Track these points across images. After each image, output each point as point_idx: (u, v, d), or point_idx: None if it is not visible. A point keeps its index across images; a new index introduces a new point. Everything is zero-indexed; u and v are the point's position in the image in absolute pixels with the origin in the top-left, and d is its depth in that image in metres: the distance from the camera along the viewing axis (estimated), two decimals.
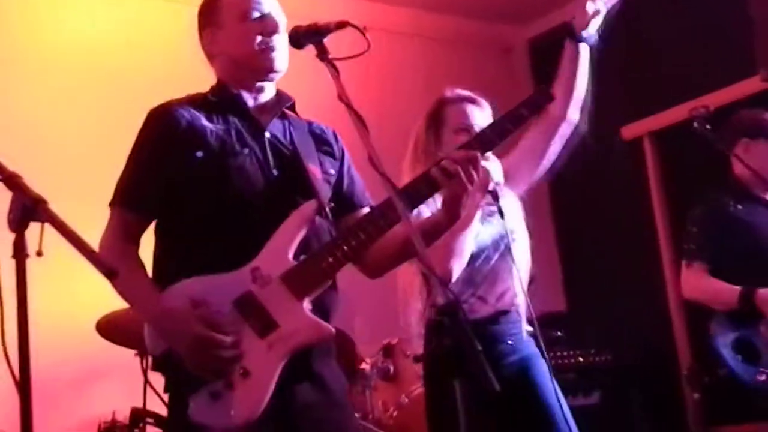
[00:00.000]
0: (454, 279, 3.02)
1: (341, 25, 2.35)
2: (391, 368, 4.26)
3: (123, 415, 4.21)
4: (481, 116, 3.29)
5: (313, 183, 2.51)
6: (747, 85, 5.36)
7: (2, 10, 5.02)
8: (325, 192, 2.56)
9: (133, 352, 4.26)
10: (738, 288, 3.88)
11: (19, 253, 1.79)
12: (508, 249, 3.16)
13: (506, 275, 3.21)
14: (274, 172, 2.49)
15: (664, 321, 6.05)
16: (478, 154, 2.38)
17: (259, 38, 2.54)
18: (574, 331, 5.65)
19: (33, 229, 1.86)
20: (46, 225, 1.83)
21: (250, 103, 2.60)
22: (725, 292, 3.91)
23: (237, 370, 2.28)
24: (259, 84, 2.60)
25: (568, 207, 6.90)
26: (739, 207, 4.01)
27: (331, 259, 2.36)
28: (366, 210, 2.66)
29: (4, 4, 5.02)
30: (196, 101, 2.57)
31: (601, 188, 6.49)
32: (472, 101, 3.34)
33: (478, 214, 3.04)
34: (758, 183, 4.05)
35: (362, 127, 2.22)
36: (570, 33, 3.19)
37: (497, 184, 3.00)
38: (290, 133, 2.61)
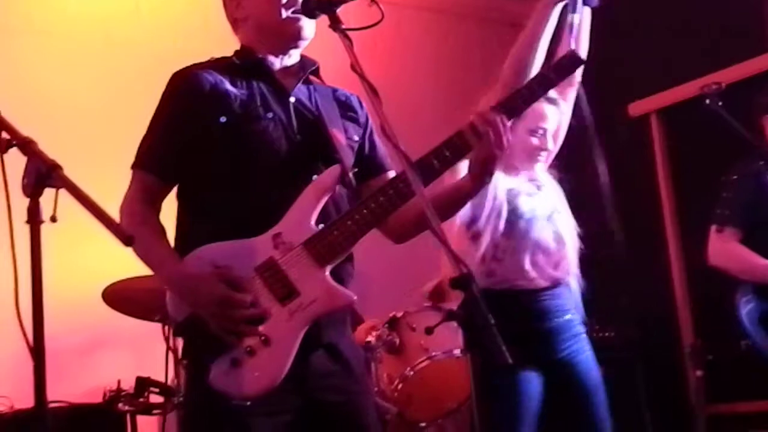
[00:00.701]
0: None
1: None
2: (397, 341, 4.24)
3: (128, 384, 4.22)
4: (554, 114, 3.34)
5: (337, 148, 2.50)
6: (757, 63, 5.34)
7: None
8: (349, 158, 2.55)
9: (138, 321, 4.27)
10: None
11: (34, 218, 1.78)
12: (556, 218, 3.25)
13: (558, 245, 3.25)
14: (298, 136, 2.48)
15: (668, 298, 6.05)
16: (505, 120, 2.35)
17: (285, 1, 2.51)
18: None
19: (46, 195, 1.85)
20: (61, 191, 1.82)
21: (276, 67, 2.58)
22: (761, 266, 3.87)
23: (258, 337, 2.27)
24: (286, 49, 2.58)
25: (572, 183, 6.88)
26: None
27: (352, 225, 2.35)
28: (389, 175, 2.65)
29: None
30: (221, 65, 2.55)
31: (606, 165, 6.46)
32: (551, 101, 3.37)
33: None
34: None
35: (375, 97, 2.20)
36: None
37: None
38: (315, 99, 2.59)
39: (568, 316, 3.24)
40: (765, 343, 3.82)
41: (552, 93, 3.13)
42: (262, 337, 2.27)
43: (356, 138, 2.64)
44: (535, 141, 3.33)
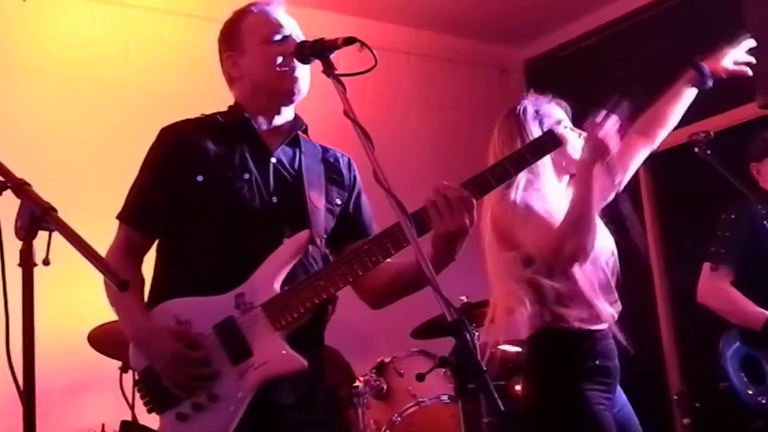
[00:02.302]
0: (588, 255, 2.94)
1: (349, 41, 2.33)
2: (384, 387, 4.23)
3: (112, 428, 4.18)
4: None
5: (310, 212, 2.50)
6: (743, 111, 5.38)
7: (2, 19, 5.02)
8: (323, 222, 2.54)
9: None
10: (765, 312, 3.86)
11: (27, 261, 1.77)
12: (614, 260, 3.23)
13: (614, 283, 3.23)
14: (274, 198, 2.49)
15: (655, 345, 6.04)
16: (473, 201, 2.29)
17: (280, 59, 2.53)
18: None
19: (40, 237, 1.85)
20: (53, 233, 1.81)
21: (264, 127, 2.59)
22: (751, 312, 3.87)
23: (205, 394, 2.29)
24: (277, 107, 2.60)
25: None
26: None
27: (310, 291, 2.34)
28: None
29: (3, 13, 5.02)
30: (206, 123, 2.58)
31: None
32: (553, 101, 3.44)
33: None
34: None
35: (368, 142, 2.20)
36: (700, 71, 3.37)
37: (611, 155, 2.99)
38: (300, 160, 2.59)
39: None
40: (743, 387, 3.83)
41: None
42: (210, 395, 2.30)
43: (338, 202, 2.63)
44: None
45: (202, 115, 2.63)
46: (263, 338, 2.33)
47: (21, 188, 1.83)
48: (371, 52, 2.29)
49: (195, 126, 2.56)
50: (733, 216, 4.02)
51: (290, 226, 2.45)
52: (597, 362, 3.05)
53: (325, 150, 2.70)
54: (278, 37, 2.56)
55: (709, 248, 4.06)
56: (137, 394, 2.52)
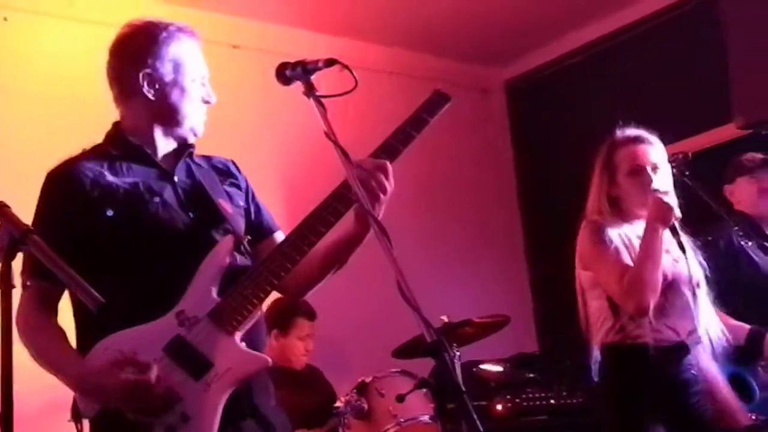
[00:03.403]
0: (650, 310, 3.25)
1: (330, 62, 2.33)
2: (365, 406, 4.22)
3: None
4: (653, 152, 3.50)
5: (227, 218, 2.49)
6: (721, 132, 5.42)
7: None
8: (240, 225, 2.55)
9: None
10: (746, 326, 3.88)
11: (5, 283, 1.77)
12: (697, 288, 3.40)
13: (695, 314, 3.37)
14: (189, 214, 2.46)
15: None
16: (388, 163, 2.39)
17: (203, 101, 2.55)
18: (547, 373, 5.64)
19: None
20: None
21: (156, 151, 2.54)
22: (734, 327, 3.89)
23: (177, 415, 2.24)
24: (176, 138, 2.56)
25: (543, 248, 6.93)
26: (749, 243, 4.04)
27: (254, 288, 2.33)
28: (279, 234, 2.67)
29: None
30: (97, 155, 2.51)
31: (576, 231, 6.51)
32: (641, 141, 3.51)
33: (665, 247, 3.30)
34: (760, 217, 4.15)
35: (349, 163, 2.22)
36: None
37: (677, 218, 3.27)
38: (195, 173, 2.57)
39: (694, 372, 3.45)
40: None
41: None
42: (181, 414, 2.24)
43: (241, 203, 2.63)
44: (639, 179, 3.43)
45: (84, 150, 2.56)
46: (219, 346, 2.29)
47: (0, 210, 1.82)
48: (352, 74, 2.29)
49: (86, 162, 2.48)
50: (710, 238, 4.05)
51: (213, 235, 2.44)
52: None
53: (208, 158, 2.69)
54: (200, 80, 2.56)
55: None
56: None
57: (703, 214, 4.16)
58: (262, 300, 2.36)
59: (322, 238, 2.38)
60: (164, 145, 2.55)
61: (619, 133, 3.56)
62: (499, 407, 4.83)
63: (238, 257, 2.47)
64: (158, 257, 2.37)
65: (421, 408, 4.18)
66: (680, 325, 3.35)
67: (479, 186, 6.93)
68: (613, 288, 3.33)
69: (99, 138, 4.96)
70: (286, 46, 5.40)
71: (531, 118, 7.09)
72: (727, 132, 5.25)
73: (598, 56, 6.63)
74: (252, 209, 2.67)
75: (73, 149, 4.94)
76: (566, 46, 6.80)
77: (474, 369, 5.15)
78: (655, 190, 3.32)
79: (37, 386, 4.29)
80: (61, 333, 2.41)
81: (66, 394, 4.37)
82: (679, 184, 3.60)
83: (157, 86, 2.50)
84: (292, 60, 2.43)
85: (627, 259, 3.33)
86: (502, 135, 7.23)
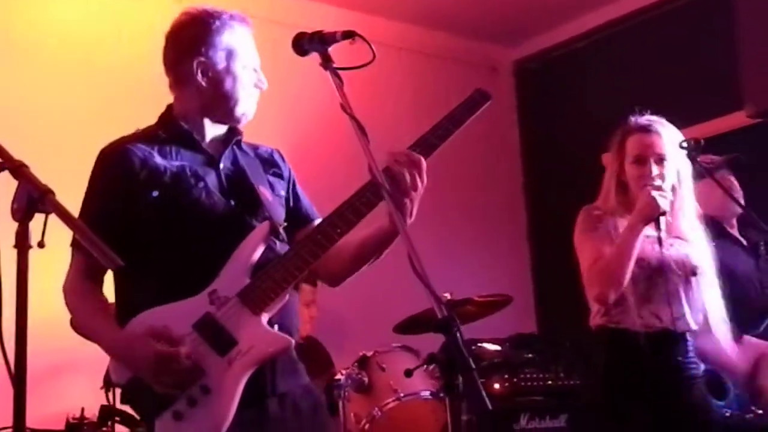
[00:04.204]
0: (609, 301, 3.32)
1: (348, 34, 2.33)
2: (366, 380, 4.24)
3: (91, 413, 4.17)
4: (661, 143, 3.51)
5: (266, 206, 2.53)
6: (731, 120, 5.41)
7: None
8: (279, 213, 2.60)
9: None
10: None
11: (23, 243, 1.77)
12: (692, 276, 3.43)
13: (684, 300, 3.41)
14: (231, 202, 2.51)
15: None
16: (422, 159, 2.37)
17: (254, 87, 2.59)
18: (545, 354, 5.66)
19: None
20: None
21: (204, 137, 2.60)
22: None
23: (198, 388, 2.30)
24: (225, 124, 2.62)
25: (546, 230, 6.94)
26: (713, 243, 4.04)
27: (283, 272, 2.37)
28: (316, 223, 2.69)
29: None
30: (147, 137, 2.56)
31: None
32: (650, 130, 3.53)
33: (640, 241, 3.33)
34: (722, 217, 4.16)
35: (363, 136, 2.21)
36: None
37: (662, 213, 3.31)
38: (241, 161, 2.62)
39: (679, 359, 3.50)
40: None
41: None
42: (202, 388, 2.30)
43: (282, 192, 2.68)
44: (638, 170, 3.47)
45: (138, 130, 2.61)
46: (245, 325, 2.34)
47: (19, 170, 1.82)
48: (370, 46, 2.28)
49: (137, 143, 2.53)
50: None
51: (252, 222, 2.48)
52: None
53: (254, 147, 2.74)
54: (254, 65, 2.60)
55: None
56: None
57: None
58: (290, 284, 2.39)
59: (354, 227, 2.40)
60: (213, 131, 2.61)
61: (633, 118, 3.58)
62: (496, 386, 4.85)
63: (278, 243, 2.52)
64: (197, 240, 2.43)
65: (422, 384, 4.21)
66: (663, 311, 3.37)
67: (484, 165, 6.93)
68: (584, 274, 3.42)
69: (111, 101, 5.03)
70: (295, 17, 5.39)
71: (539, 99, 7.09)
72: (737, 119, 5.24)
73: (609, 40, 6.62)
74: (291, 197, 2.72)
75: (83, 112, 5.01)
76: (577, 28, 6.78)
77: (473, 347, 5.17)
78: (647, 185, 3.37)
79: (43, 348, 4.37)
80: (104, 302, 2.50)
81: (76, 357, 4.47)
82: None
83: (210, 74, 2.56)
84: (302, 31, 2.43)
85: (603, 249, 3.38)
86: (509, 115, 7.22)
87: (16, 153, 1.93)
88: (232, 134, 2.64)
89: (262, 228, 2.45)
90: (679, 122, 5.10)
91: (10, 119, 4.66)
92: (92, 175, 2.55)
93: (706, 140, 3.86)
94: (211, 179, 2.52)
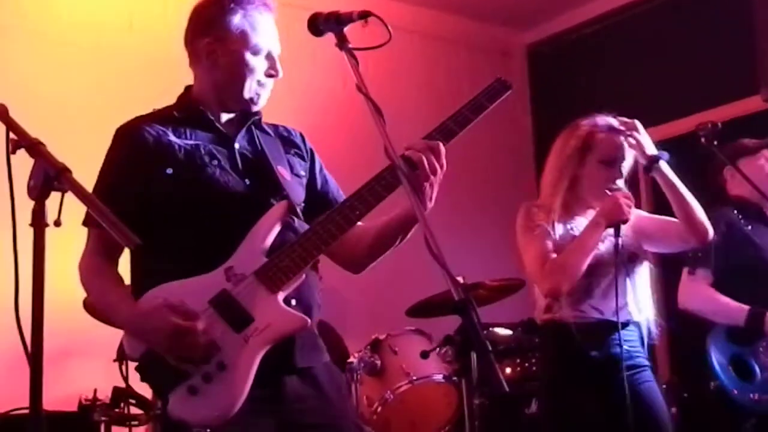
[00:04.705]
0: (562, 295, 3.32)
1: (364, 15, 2.33)
2: (378, 363, 4.24)
3: (104, 394, 4.18)
4: (626, 146, 3.47)
5: (283, 185, 2.52)
6: (747, 104, 5.38)
7: None
8: (296, 192, 2.58)
9: (118, 331, 4.20)
10: (746, 306, 3.88)
11: (39, 222, 1.76)
12: (629, 269, 3.42)
13: (625, 293, 3.40)
14: (246, 180, 2.50)
15: None
16: (441, 144, 2.38)
17: (263, 75, 2.55)
18: None
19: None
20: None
21: (220, 118, 2.59)
22: (733, 308, 3.90)
23: (214, 364, 2.29)
24: (235, 109, 2.60)
25: None
26: (749, 227, 4.02)
27: (301, 251, 2.37)
28: None
29: None
30: (163, 117, 2.56)
31: None
32: (619, 132, 3.48)
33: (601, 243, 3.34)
34: (761, 199, 4.09)
35: (379, 117, 2.21)
36: (644, 170, 3.44)
37: (624, 222, 3.30)
38: (258, 140, 2.61)
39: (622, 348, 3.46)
40: (733, 385, 3.84)
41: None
42: (218, 364, 2.29)
43: (302, 173, 2.67)
44: (605, 172, 3.44)
45: (154, 110, 2.61)
46: (262, 303, 2.34)
47: (35, 147, 1.82)
48: (386, 26, 2.28)
49: (152, 121, 2.53)
50: (711, 222, 4.02)
51: (269, 201, 2.47)
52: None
53: (275, 126, 2.73)
54: (265, 52, 2.56)
55: (686, 253, 4.07)
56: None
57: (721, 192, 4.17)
58: (307, 263, 2.39)
59: (372, 208, 2.40)
60: (223, 113, 2.60)
61: (601, 117, 3.51)
62: (508, 371, 4.84)
63: (296, 221, 2.52)
64: (211, 217, 2.43)
65: (434, 367, 4.21)
66: (604, 305, 3.38)
67: (497, 150, 6.91)
68: (534, 268, 3.39)
69: (120, 85, 5.02)
70: (308, 0, 5.38)
71: (551, 83, 7.05)
72: (753, 104, 5.20)
73: (623, 24, 6.58)
74: (318, 180, 2.71)
75: (92, 95, 5.00)
76: (590, 12, 6.74)
77: (486, 332, 5.17)
78: (617, 191, 3.36)
79: (57, 329, 4.37)
80: (118, 279, 2.50)
81: (89, 338, 4.48)
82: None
83: (219, 56, 2.54)
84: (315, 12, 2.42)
85: (551, 244, 3.38)
86: (521, 99, 7.19)
87: (30, 133, 1.92)
88: (248, 114, 2.62)
89: (279, 207, 2.44)
90: (694, 106, 5.10)
91: (23, 101, 4.62)
92: (107, 153, 2.55)
93: (722, 124, 3.85)
94: (226, 158, 2.51)
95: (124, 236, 1.75)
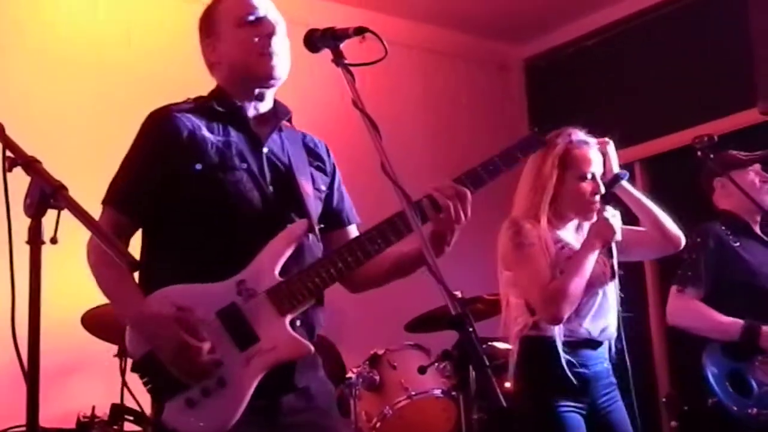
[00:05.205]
0: (563, 321, 3.28)
1: (360, 31, 2.33)
2: (377, 379, 4.24)
3: (102, 411, 4.16)
4: (599, 161, 3.49)
5: (306, 201, 2.51)
6: (744, 117, 5.39)
7: None
8: (316, 209, 2.57)
9: (116, 348, 4.22)
10: (739, 321, 3.87)
11: (35, 239, 1.76)
12: (612, 288, 3.44)
13: (608, 312, 3.43)
14: (270, 188, 2.49)
15: (645, 348, 6.06)
16: (468, 192, 2.36)
17: (256, 40, 2.51)
18: None
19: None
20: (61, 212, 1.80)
21: (251, 113, 2.58)
22: (726, 323, 3.89)
23: (214, 379, 2.28)
24: (258, 91, 2.57)
25: None
26: (737, 243, 4.02)
27: (317, 279, 2.37)
28: (353, 227, 2.70)
29: None
30: (198, 108, 2.54)
31: None
32: (592, 146, 3.49)
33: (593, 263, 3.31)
34: (749, 213, 4.10)
35: (376, 133, 2.20)
36: (606, 186, 3.44)
37: (616, 241, 3.30)
38: (286, 148, 2.59)
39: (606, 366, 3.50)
40: (731, 400, 3.83)
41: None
42: (218, 380, 2.29)
43: (323, 188, 2.66)
44: (586, 186, 3.42)
45: (189, 99, 2.59)
46: (269, 324, 2.33)
47: (31, 165, 1.81)
48: (382, 42, 2.28)
49: (187, 111, 2.51)
50: (699, 239, 4.02)
51: (288, 214, 2.47)
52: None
53: (303, 135, 2.71)
54: (251, 18, 2.53)
55: (676, 272, 4.08)
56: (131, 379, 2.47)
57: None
58: (320, 290, 2.40)
59: (392, 245, 2.40)
60: (252, 106, 2.59)
61: (573, 132, 3.51)
62: (507, 384, 4.83)
63: (311, 238, 2.51)
64: (231, 222, 2.41)
65: (433, 382, 4.20)
66: (593, 325, 3.39)
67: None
68: (534, 294, 3.35)
69: (120, 100, 5.03)
70: (304, 15, 5.38)
71: (549, 97, 7.06)
72: (750, 117, 5.22)
73: (620, 38, 6.58)
74: (335, 197, 2.70)
75: (92, 111, 5.01)
76: (588, 26, 6.75)
77: (484, 346, 5.15)
78: (603, 209, 3.36)
79: (55, 346, 4.36)
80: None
81: (87, 355, 4.46)
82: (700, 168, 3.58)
83: (218, 48, 2.58)
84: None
85: (547, 266, 3.35)
86: (519, 113, 7.19)
87: (27, 150, 1.92)
88: (278, 114, 2.61)
89: (299, 226, 2.43)
90: (692, 119, 5.09)
91: (21, 117, 4.63)
92: (136, 137, 2.52)
93: (719, 137, 3.85)
94: (255, 163, 2.49)
95: (121, 255, 1.75)
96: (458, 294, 4.42)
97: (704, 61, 5.90)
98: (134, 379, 4.05)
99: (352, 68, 2.29)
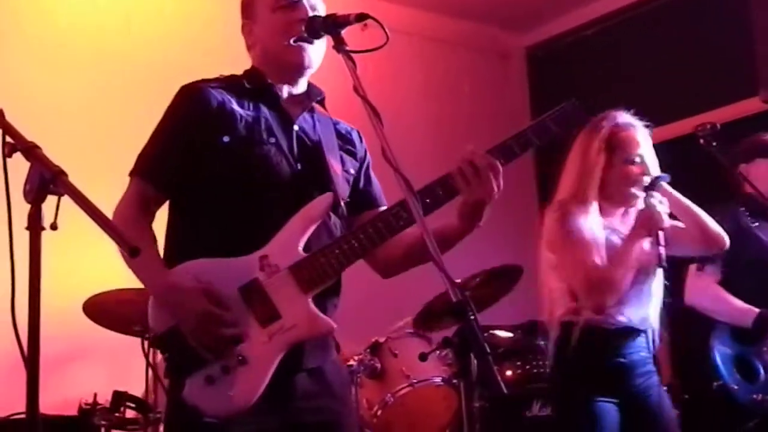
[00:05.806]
0: (606, 310, 3.27)
1: (361, 17, 2.31)
2: (378, 366, 4.24)
3: (104, 398, 4.17)
4: (645, 140, 3.45)
5: (333, 178, 2.49)
6: (746, 105, 5.38)
7: None
8: (344, 189, 2.55)
9: (118, 335, 4.23)
10: (755, 309, 3.87)
11: (35, 225, 1.75)
12: (653, 275, 3.39)
13: (650, 301, 3.40)
14: (298, 165, 2.48)
15: None
16: (499, 165, 2.34)
17: (289, 30, 2.49)
18: None
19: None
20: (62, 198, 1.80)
21: (283, 94, 2.57)
22: (741, 309, 3.90)
23: (235, 356, 2.26)
24: (291, 78, 2.57)
25: None
26: (756, 223, 4.01)
27: (339, 254, 2.34)
28: (381, 210, 2.65)
29: None
30: (230, 84, 2.54)
31: None
32: (638, 129, 3.46)
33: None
34: None
35: (377, 120, 2.19)
36: (645, 189, 3.36)
37: (662, 229, 3.24)
38: (317, 128, 2.59)
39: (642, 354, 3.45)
40: (736, 384, 3.84)
41: None
42: (239, 357, 2.27)
43: (352, 171, 2.64)
44: (634, 169, 3.39)
45: (221, 75, 2.59)
46: (291, 301, 2.31)
47: (31, 151, 1.81)
48: (383, 29, 2.27)
49: (218, 86, 2.51)
50: (716, 219, 4.02)
51: (315, 191, 2.44)
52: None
53: (335, 122, 2.70)
54: (284, 2, 2.52)
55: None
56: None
57: (720, 188, 4.15)
58: (344, 267, 2.37)
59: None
60: (286, 88, 2.59)
61: (619, 114, 3.48)
62: (508, 373, 4.83)
63: (333, 218, 2.49)
64: (256, 197, 2.41)
65: (434, 370, 4.21)
66: (635, 313, 3.36)
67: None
68: (578, 282, 3.33)
69: (119, 88, 5.03)
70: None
71: (550, 86, 7.05)
72: (752, 105, 5.20)
73: (622, 26, 6.58)
74: (363, 179, 2.68)
75: (91, 99, 5.00)
76: (589, 14, 6.75)
77: (485, 334, 5.15)
78: (651, 195, 3.31)
79: (56, 333, 4.37)
80: (153, 237, 2.45)
81: (88, 342, 4.46)
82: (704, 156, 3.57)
83: (254, 30, 2.60)
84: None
85: (595, 253, 3.31)
86: (521, 101, 7.19)
87: (27, 137, 1.92)
88: (311, 96, 2.61)
89: (323, 199, 2.41)
90: (693, 108, 5.08)
91: (20, 104, 4.62)
92: (168, 108, 2.52)
93: (721, 126, 3.84)
94: (283, 139, 2.49)
95: (123, 242, 1.74)
96: (458, 281, 4.43)
97: (705, 49, 5.89)
98: (133, 367, 4.12)
99: (353, 55, 2.27)
